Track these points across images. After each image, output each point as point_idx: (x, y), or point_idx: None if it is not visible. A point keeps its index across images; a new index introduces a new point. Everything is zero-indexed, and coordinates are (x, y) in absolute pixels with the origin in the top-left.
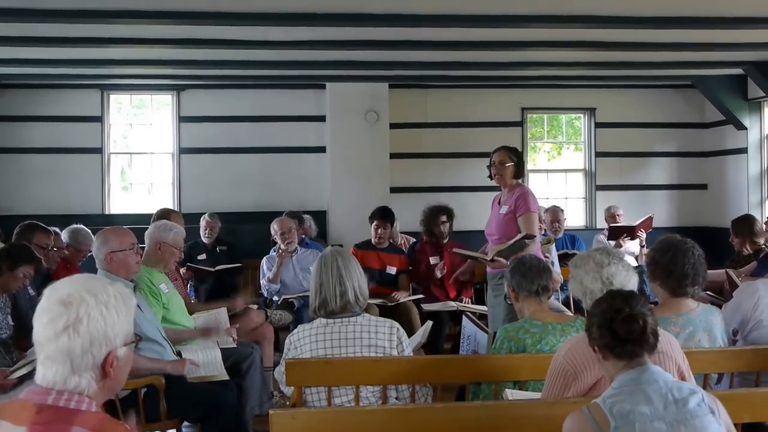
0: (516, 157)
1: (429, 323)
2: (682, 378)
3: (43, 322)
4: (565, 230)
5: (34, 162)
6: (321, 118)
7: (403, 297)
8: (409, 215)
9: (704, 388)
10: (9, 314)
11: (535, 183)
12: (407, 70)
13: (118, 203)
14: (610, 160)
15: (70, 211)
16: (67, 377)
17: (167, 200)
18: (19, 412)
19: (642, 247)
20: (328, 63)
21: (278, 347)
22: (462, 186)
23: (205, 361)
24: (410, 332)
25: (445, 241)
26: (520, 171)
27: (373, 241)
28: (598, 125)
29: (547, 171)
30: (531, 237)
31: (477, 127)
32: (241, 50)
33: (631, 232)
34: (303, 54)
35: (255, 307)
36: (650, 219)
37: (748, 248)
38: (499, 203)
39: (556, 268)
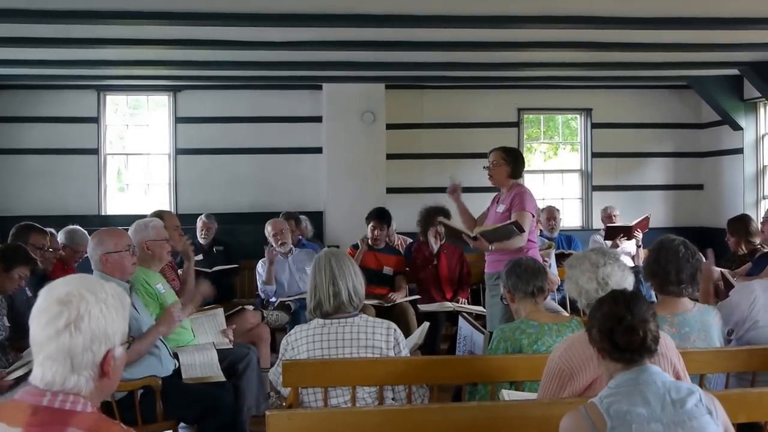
0: (509, 157)
1: (426, 324)
2: (677, 378)
3: (41, 322)
4: (561, 230)
5: (30, 163)
6: (317, 119)
7: (399, 298)
8: (405, 216)
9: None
10: (5, 315)
11: (531, 183)
12: (404, 71)
13: (115, 204)
14: (607, 160)
15: (67, 212)
16: (66, 376)
17: (164, 201)
18: (14, 413)
19: (638, 247)
20: (325, 63)
21: (274, 348)
22: None
23: (202, 362)
24: (407, 333)
25: (442, 242)
26: (516, 171)
27: (369, 242)
28: (594, 126)
29: (543, 171)
30: (519, 227)
31: (473, 127)
32: (237, 51)
33: (627, 232)
34: (299, 55)
35: (251, 307)
36: (647, 219)
37: (744, 248)
38: (497, 202)
39: (553, 270)
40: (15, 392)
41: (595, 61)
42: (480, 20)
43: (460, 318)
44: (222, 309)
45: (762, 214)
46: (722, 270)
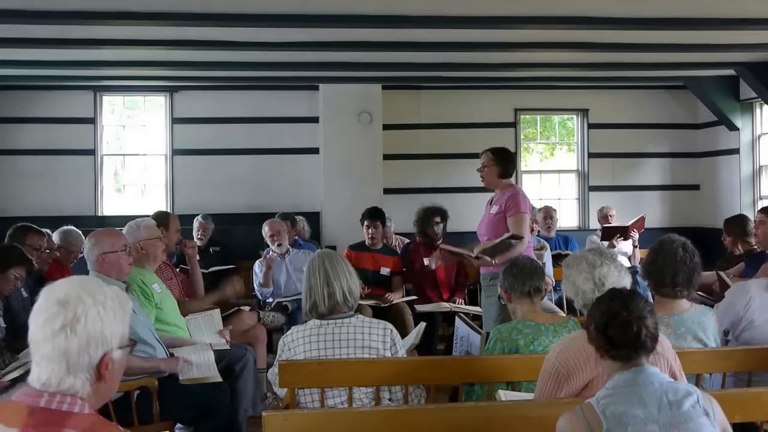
0: (497, 157)
1: (422, 324)
2: (674, 378)
3: (39, 322)
4: (558, 231)
5: (27, 164)
6: (314, 120)
7: (396, 298)
8: (402, 216)
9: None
10: (1, 316)
11: (527, 184)
12: (400, 71)
13: (111, 205)
14: (603, 160)
15: (63, 213)
16: (62, 378)
17: (160, 202)
18: (11, 414)
19: (635, 247)
20: (322, 64)
21: (271, 349)
22: (455, 187)
23: (198, 362)
24: (404, 333)
25: (439, 242)
26: (506, 171)
27: (366, 242)
28: (590, 126)
29: (540, 172)
30: (517, 237)
31: (470, 128)
32: (234, 51)
33: (624, 232)
34: (296, 55)
35: (247, 308)
36: (642, 219)
37: (740, 248)
38: (491, 203)
39: (548, 271)
40: (11, 393)
41: (592, 62)
42: (476, 21)
43: (456, 318)
44: (218, 310)
45: (756, 214)
46: (718, 271)
